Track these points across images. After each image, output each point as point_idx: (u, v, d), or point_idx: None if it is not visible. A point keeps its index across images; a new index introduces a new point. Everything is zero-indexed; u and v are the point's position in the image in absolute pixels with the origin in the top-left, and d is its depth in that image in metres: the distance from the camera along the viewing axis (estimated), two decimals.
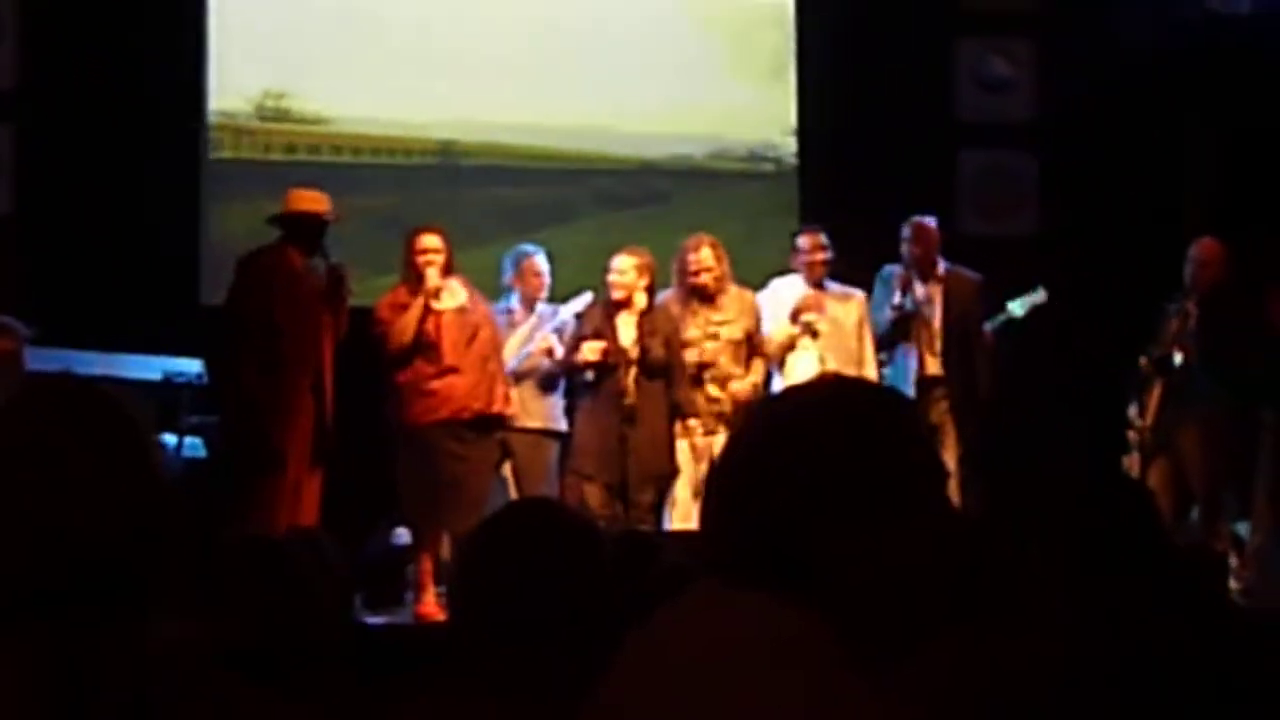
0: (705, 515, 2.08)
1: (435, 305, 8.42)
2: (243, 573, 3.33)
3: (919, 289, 9.34)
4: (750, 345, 8.96)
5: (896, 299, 9.26)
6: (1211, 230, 9.66)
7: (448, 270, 8.56)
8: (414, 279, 8.47)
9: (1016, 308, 9.56)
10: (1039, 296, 9.58)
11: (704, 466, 8.65)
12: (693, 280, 8.91)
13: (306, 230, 8.20)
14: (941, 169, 11.83)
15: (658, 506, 8.74)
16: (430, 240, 8.55)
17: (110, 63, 10.76)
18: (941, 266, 9.42)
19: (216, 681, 1.94)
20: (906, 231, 9.43)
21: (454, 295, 8.55)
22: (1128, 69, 11.20)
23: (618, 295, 8.69)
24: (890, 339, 9.33)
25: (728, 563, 1.99)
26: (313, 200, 8.33)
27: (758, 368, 8.99)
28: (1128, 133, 11.52)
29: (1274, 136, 11.05)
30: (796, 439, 1.98)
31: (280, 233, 8.32)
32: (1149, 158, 11.57)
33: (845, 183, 11.43)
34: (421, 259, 8.46)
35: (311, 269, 8.22)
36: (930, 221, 9.49)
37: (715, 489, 2.06)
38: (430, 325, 8.41)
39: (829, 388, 2.16)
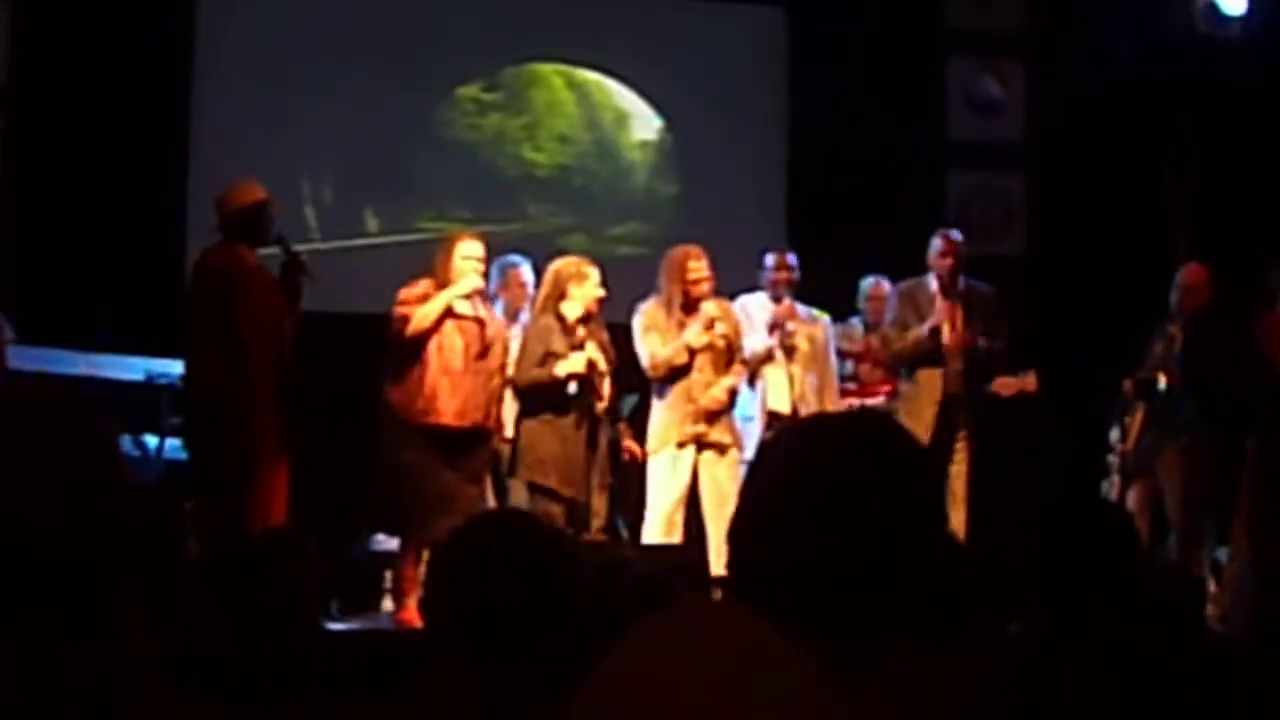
0: (742, 544, 2.08)
1: (459, 309, 8.39)
2: (218, 581, 3.32)
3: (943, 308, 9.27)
4: (730, 351, 8.96)
5: (945, 331, 9.18)
6: (1199, 252, 9.68)
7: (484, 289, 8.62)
8: (445, 279, 8.43)
9: (1002, 388, 9.46)
10: (1029, 381, 9.47)
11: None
12: (691, 288, 8.89)
13: (249, 223, 8.09)
14: (931, 189, 11.85)
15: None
16: (477, 247, 8.53)
17: (96, 60, 10.74)
18: (961, 281, 9.39)
19: (181, 693, 1.93)
20: (940, 245, 9.35)
21: (478, 307, 8.55)
22: (1117, 90, 11.22)
23: (592, 309, 8.65)
24: (920, 360, 9.25)
25: (764, 587, 1.99)
26: (245, 193, 8.11)
27: (736, 371, 9.00)
28: (1117, 154, 11.55)
29: (1262, 158, 11.07)
30: (833, 474, 2.01)
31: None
32: (1137, 179, 11.59)
33: (834, 200, 11.43)
34: (467, 263, 8.42)
35: (263, 262, 8.14)
36: (958, 235, 9.47)
37: (756, 520, 2.07)
38: (449, 328, 8.38)
39: (854, 421, 2.20)
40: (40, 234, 10.59)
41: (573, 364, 8.45)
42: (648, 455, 8.96)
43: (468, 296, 8.43)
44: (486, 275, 8.65)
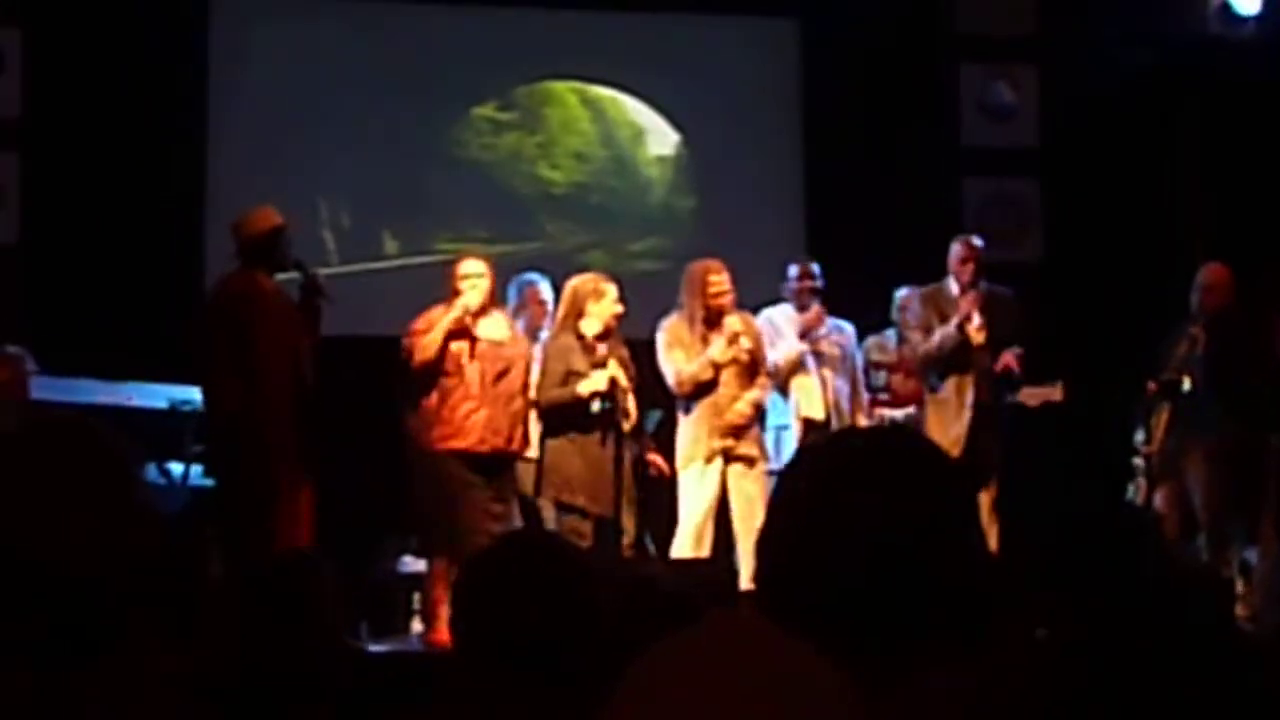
0: (768, 559, 2.09)
1: (472, 329, 8.41)
2: (236, 604, 3.32)
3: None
4: (754, 364, 8.95)
5: (976, 321, 9.15)
6: (1216, 254, 9.65)
7: (492, 301, 8.61)
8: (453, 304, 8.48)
9: (1028, 399, 9.43)
10: (1055, 392, 9.46)
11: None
12: (713, 302, 8.90)
13: (265, 249, 8.13)
14: (946, 196, 11.84)
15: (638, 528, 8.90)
16: (474, 266, 8.59)
17: (113, 91, 10.78)
18: (982, 285, 9.37)
19: (202, 715, 1.94)
20: (961, 250, 9.34)
21: (495, 327, 8.56)
22: (1130, 93, 11.21)
23: (611, 326, 8.65)
24: (948, 366, 9.23)
25: (789, 606, 1.99)
26: (261, 219, 8.16)
27: (761, 384, 8.99)
28: (1132, 156, 11.53)
29: (1275, 160, 11.05)
30: (859, 487, 2.02)
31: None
32: (1152, 182, 11.57)
33: (851, 210, 11.43)
34: (464, 283, 8.47)
35: (282, 287, 8.16)
36: (979, 241, 9.49)
37: (783, 535, 2.08)
38: (461, 353, 8.40)
39: (884, 438, 2.22)
40: (59, 264, 10.62)
41: (595, 382, 8.46)
42: (676, 471, 8.95)
43: (477, 314, 8.45)
44: (497, 291, 8.67)
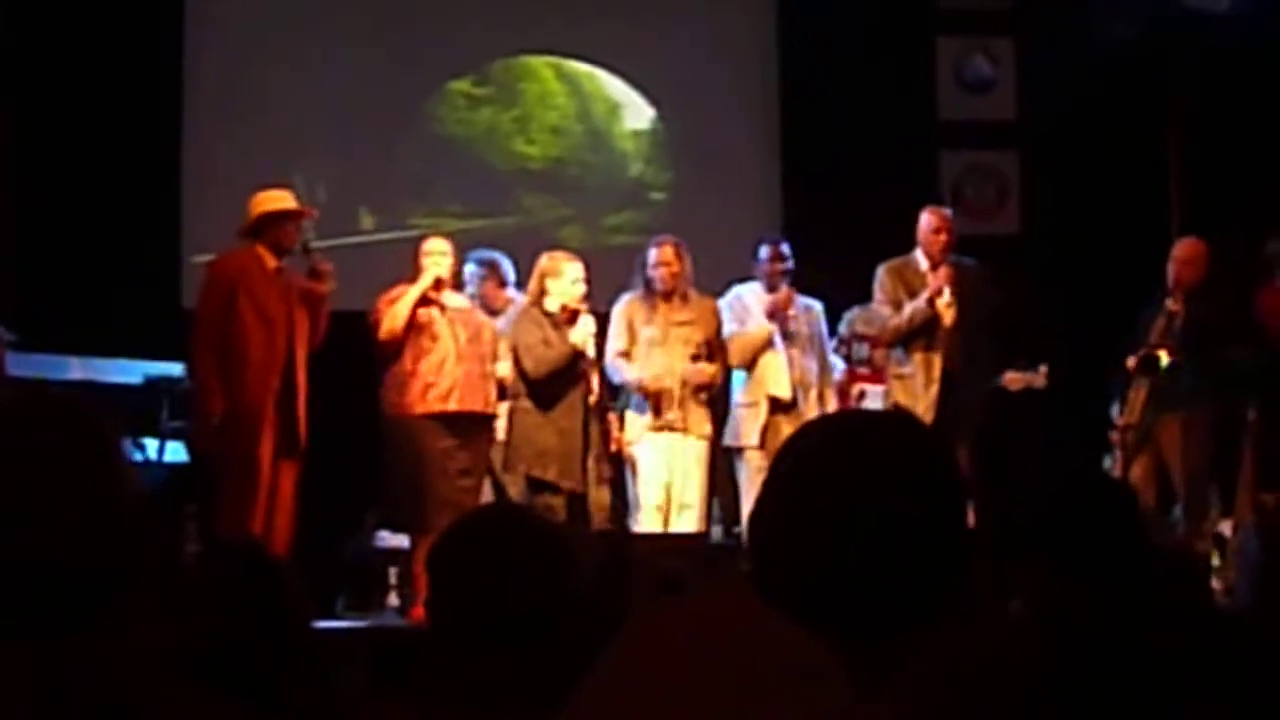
0: (762, 544, 2.09)
1: (439, 300, 8.53)
2: (211, 579, 3.30)
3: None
4: (709, 349, 8.93)
5: (946, 297, 9.12)
6: (1193, 228, 9.66)
7: (454, 282, 8.75)
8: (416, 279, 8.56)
9: (1011, 383, 9.44)
10: (1038, 378, 9.46)
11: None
12: (650, 274, 8.90)
13: (260, 228, 8.14)
14: (923, 169, 11.84)
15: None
16: (439, 244, 8.74)
17: (89, 66, 10.74)
18: (951, 258, 9.34)
19: (185, 689, 1.93)
20: (934, 221, 9.28)
21: (459, 300, 8.71)
22: (1108, 67, 11.20)
23: (572, 305, 8.67)
24: (914, 342, 9.20)
25: (780, 587, 1.99)
26: (275, 200, 8.25)
27: (709, 368, 8.96)
28: (1109, 131, 11.53)
29: (1256, 130, 11.06)
30: (851, 472, 2.01)
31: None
32: (1130, 156, 11.58)
33: (828, 184, 11.41)
34: (429, 259, 8.59)
35: (285, 268, 8.18)
36: (949, 211, 9.47)
37: (776, 520, 2.08)
38: (433, 319, 8.50)
39: (851, 415, 2.23)
40: (39, 240, 10.59)
41: (578, 333, 8.47)
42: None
43: (437, 286, 8.51)
44: (456, 274, 8.82)
